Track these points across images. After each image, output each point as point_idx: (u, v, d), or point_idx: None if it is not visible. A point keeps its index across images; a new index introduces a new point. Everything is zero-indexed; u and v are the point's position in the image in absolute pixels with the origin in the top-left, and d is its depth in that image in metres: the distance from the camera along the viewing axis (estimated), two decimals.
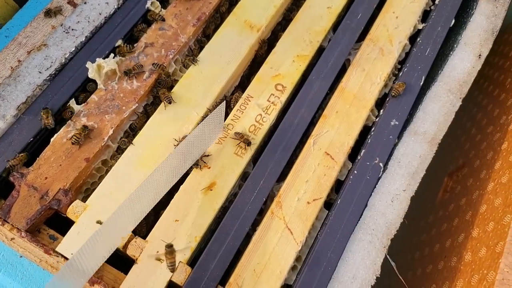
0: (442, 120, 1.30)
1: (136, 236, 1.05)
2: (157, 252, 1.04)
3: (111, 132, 1.15)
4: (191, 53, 1.33)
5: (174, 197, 1.11)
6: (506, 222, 1.20)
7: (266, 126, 1.22)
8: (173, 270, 1.01)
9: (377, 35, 1.39)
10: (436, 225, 1.70)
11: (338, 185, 1.24)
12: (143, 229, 1.14)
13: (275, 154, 1.18)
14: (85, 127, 1.13)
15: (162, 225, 1.08)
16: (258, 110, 1.23)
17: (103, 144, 1.15)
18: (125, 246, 1.05)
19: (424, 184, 2.09)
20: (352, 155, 1.26)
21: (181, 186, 1.12)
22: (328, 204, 1.21)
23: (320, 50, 1.37)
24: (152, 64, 1.22)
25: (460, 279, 1.29)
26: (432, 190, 1.95)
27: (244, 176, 1.20)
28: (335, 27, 1.42)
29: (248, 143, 1.15)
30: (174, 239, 1.04)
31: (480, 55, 1.41)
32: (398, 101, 1.30)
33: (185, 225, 1.08)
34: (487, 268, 1.18)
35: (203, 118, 1.22)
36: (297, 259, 1.12)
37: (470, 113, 2.07)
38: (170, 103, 1.18)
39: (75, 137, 1.11)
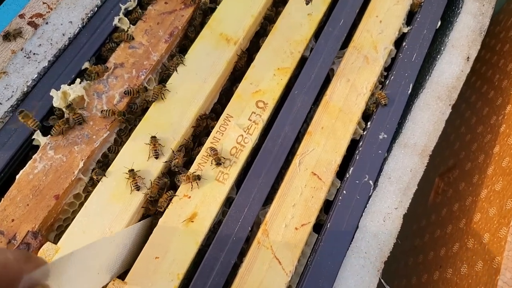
0: (432, 130, 1.24)
1: (114, 279, 0.98)
2: None
3: (81, 164, 1.07)
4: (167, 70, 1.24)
5: (153, 232, 1.04)
6: (502, 235, 1.15)
7: (248, 147, 1.15)
8: (138, 189, 1.05)
9: (361, 42, 1.31)
10: (429, 230, 1.65)
11: (327, 205, 1.18)
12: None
13: (259, 178, 1.11)
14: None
15: (141, 264, 1.01)
16: (239, 131, 1.16)
17: (73, 178, 1.06)
18: None
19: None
20: (341, 172, 1.20)
21: (160, 220, 1.05)
22: (317, 226, 1.15)
23: (302, 61, 1.29)
24: (124, 92, 1.14)
25: None
26: (424, 191, 1.90)
27: (228, 201, 1.13)
28: (317, 34, 1.34)
29: (218, 163, 1.08)
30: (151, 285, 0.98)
31: (468, 57, 1.35)
32: (386, 112, 1.23)
33: (166, 262, 1.01)
34: (485, 285, 1.14)
35: (181, 142, 1.14)
36: None
37: (459, 109, 2.01)
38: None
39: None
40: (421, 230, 1.72)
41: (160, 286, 0.98)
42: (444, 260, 1.42)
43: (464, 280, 1.24)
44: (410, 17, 1.43)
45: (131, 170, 1.07)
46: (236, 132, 1.15)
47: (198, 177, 1.07)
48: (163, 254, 1.02)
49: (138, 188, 1.06)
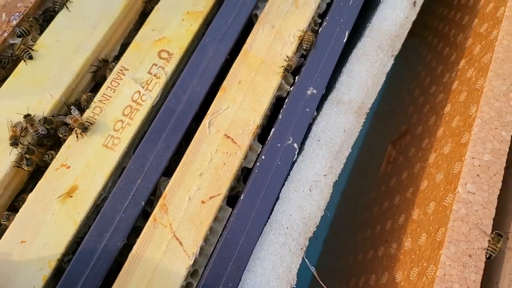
0: (371, 84, 1.06)
1: None
2: None
3: None
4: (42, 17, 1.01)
5: (19, 211, 0.83)
6: (447, 203, 1.00)
7: (146, 106, 0.94)
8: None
9: None
10: (378, 202, 1.50)
11: (248, 174, 1.00)
12: None
13: (157, 143, 0.91)
14: None
15: (3, 250, 0.80)
16: (135, 86, 0.95)
17: None
18: None
19: (367, 155, 1.89)
20: (263, 135, 1.01)
21: (29, 195, 0.85)
22: (234, 199, 0.96)
23: (219, 4, 1.08)
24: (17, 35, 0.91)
25: (399, 270, 1.10)
26: (376, 161, 1.76)
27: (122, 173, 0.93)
28: None
29: (84, 129, 0.87)
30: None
31: (415, 2, 1.17)
32: (316, 63, 1.04)
33: (34, 247, 0.81)
34: (427, 260, 0.98)
35: (62, 101, 0.93)
36: (193, 274, 0.88)
37: (414, 71, 1.86)
38: None
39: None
40: (371, 202, 1.57)
41: (25, 277, 0.79)
42: (389, 234, 1.27)
43: (407, 256, 1.09)
44: None
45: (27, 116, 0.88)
46: (132, 88, 0.95)
47: (84, 128, 0.86)
48: (31, 238, 0.82)
49: (15, 142, 0.86)
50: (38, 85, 0.92)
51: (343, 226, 1.75)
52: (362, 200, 1.70)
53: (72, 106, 0.91)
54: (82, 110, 0.93)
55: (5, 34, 0.94)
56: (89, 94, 0.95)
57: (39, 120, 0.87)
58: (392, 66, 1.10)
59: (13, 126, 0.86)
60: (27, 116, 0.88)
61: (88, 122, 0.89)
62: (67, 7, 0.98)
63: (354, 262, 1.46)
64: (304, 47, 1.04)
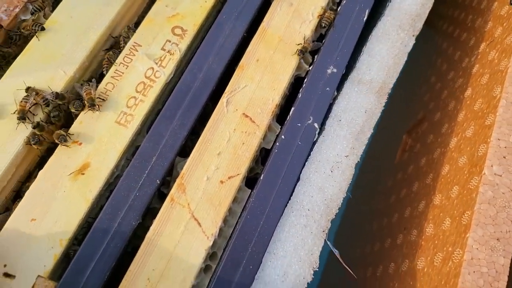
0: (392, 64, 1.03)
1: None
2: (5, 266, 0.74)
3: None
4: None
5: (30, 187, 0.80)
6: (473, 186, 0.96)
7: (160, 82, 0.91)
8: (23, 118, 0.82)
9: None
10: (395, 190, 1.46)
11: (266, 155, 0.96)
12: None
13: (172, 120, 0.88)
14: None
15: (11, 227, 0.77)
16: (148, 63, 0.92)
17: None
18: None
19: (381, 144, 1.85)
20: (282, 116, 0.98)
21: (40, 172, 0.81)
22: (252, 181, 0.93)
23: None
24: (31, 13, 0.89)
25: (422, 257, 1.06)
26: (391, 149, 1.71)
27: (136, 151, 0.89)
28: None
29: (91, 105, 0.84)
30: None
31: None
32: (336, 41, 1.01)
33: (45, 225, 0.78)
34: (452, 244, 0.95)
35: (75, 78, 0.90)
36: (211, 256, 0.85)
37: (429, 59, 1.82)
38: None
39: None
40: (387, 191, 1.53)
41: (35, 256, 0.75)
42: (408, 221, 1.23)
43: (430, 241, 1.05)
44: None
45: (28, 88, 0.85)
46: (145, 65, 0.91)
47: (92, 105, 0.83)
48: (42, 215, 0.78)
49: (23, 116, 0.82)
50: (50, 61, 0.89)
51: (357, 215, 1.71)
52: (377, 188, 1.66)
53: (93, 79, 0.88)
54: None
55: (17, 10, 0.91)
56: (110, 53, 0.92)
57: (51, 93, 0.83)
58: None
59: (21, 101, 0.82)
60: (28, 88, 0.85)
61: (100, 99, 0.86)
62: None
63: (371, 251, 1.42)
64: (323, 25, 1.00)
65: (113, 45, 0.96)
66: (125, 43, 0.93)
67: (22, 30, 0.90)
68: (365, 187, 1.76)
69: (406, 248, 1.16)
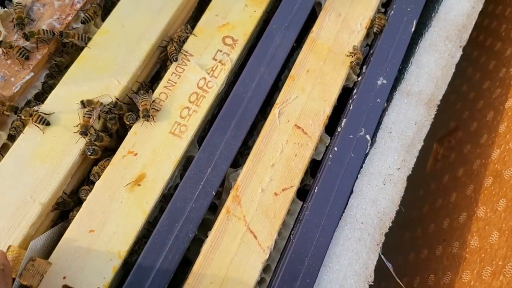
0: (440, 76, 1.02)
1: (34, 258, 0.74)
2: (64, 278, 0.74)
3: None
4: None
5: (87, 198, 0.80)
6: None
7: (212, 92, 0.90)
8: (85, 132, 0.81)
9: None
10: (429, 200, 1.45)
11: (314, 167, 0.96)
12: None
13: (226, 131, 0.87)
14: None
15: (71, 239, 0.77)
16: (201, 73, 0.91)
17: None
18: (20, 273, 0.73)
19: None
20: (331, 127, 0.97)
21: (96, 182, 0.81)
22: (302, 192, 0.92)
23: None
24: (44, 31, 0.88)
25: (467, 270, 1.05)
26: (420, 158, 1.70)
27: (188, 162, 0.89)
28: None
29: (145, 116, 0.83)
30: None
31: None
32: (385, 53, 1.00)
33: (103, 237, 0.77)
34: (503, 258, 0.94)
35: (129, 88, 0.89)
36: (265, 269, 0.84)
37: (458, 67, 1.81)
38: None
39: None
40: (419, 200, 1.52)
41: (95, 268, 0.75)
42: (448, 232, 1.22)
43: (476, 254, 1.04)
44: None
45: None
46: (197, 75, 0.91)
47: (146, 116, 0.83)
48: (100, 227, 0.78)
49: (85, 131, 0.81)
50: (104, 71, 0.88)
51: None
52: (407, 198, 1.65)
53: (150, 90, 0.87)
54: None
55: (69, 18, 0.91)
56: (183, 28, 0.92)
57: (110, 102, 0.83)
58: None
59: (84, 116, 0.82)
60: (87, 102, 0.85)
61: (154, 109, 0.86)
62: None
63: (404, 261, 1.41)
64: (375, 30, 1.00)
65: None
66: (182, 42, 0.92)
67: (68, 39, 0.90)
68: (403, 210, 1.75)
69: (447, 260, 1.15)
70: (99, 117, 0.84)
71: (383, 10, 1.10)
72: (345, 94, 1.01)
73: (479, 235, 1.06)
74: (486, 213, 1.08)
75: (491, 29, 1.63)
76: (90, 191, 0.80)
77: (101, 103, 0.84)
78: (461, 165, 1.33)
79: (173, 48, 0.89)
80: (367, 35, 1.06)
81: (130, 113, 0.85)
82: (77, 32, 0.89)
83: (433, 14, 1.09)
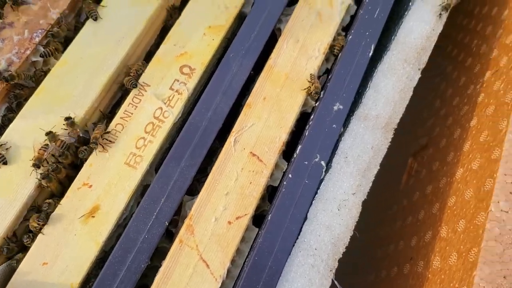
0: (398, 99, 1.04)
1: None
2: None
3: None
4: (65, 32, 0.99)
5: (42, 230, 0.81)
6: (479, 222, 0.96)
7: (168, 122, 0.92)
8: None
9: None
10: (401, 217, 1.46)
11: (272, 192, 0.97)
12: None
13: (181, 161, 0.89)
14: None
15: (24, 272, 0.78)
16: (157, 103, 0.93)
17: None
18: None
19: (385, 167, 1.85)
20: (289, 153, 0.99)
21: (51, 215, 0.82)
22: (260, 219, 0.94)
23: (241, 18, 1.07)
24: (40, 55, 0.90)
25: None
26: (396, 173, 1.72)
27: (145, 191, 0.91)
28: None
29: (95, 143, 0.85)
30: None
31: (440, 13, 1.14)
32: (342, 78, 1.02)
33: (56, 269, 0.79)
34: (459, 281, 0.95)
35: (85, 119, 0.91)
36: None
37: (433, 82, 1.83)
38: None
39: None
40: (392, 217, 1.53)
41: None
42: (415, 251, 1.23)
43: (437, 275, 1.05)
44: None
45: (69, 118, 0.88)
46: (154, 105, 0.93)
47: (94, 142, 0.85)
48: (53, 259, 0.80)
49: (38, 164, 0.83)
50: (62, 104, 0.90)
51: (361, 241, 1.71)
52: (382, 214, 1.66)
53: (105, 120, 0.89)
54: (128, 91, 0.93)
55: (28, 52, 0.93)
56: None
57: (73, 137, 0.86)
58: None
59: (40, 148, 0.84)
60: (49, 133, 0.87)
61: (107, 140, 0.87)
62: (94, 19, 0.96)
63: (376, 279, 1.42)
64: (335, 52, 1.02)
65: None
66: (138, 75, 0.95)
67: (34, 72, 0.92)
68: (369, 212, 1.76)
69: (413, 279, 1.16)
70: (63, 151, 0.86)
71: (344, 33, 1.12)
72: (305, 119, 1.03)
73: (441, 256, 1.08)
74: (448, 233, 1.09)
75: (464, 44, 1.65)
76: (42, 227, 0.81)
77: (62, 141, 0.85)
78: (430, 182, 1.34)
79: (130, 78, 0.91)
80: (327, 60, 1.08)
81: (83, 148, 0.86)
82: (23, 73, 0.90)
83: (392, 37, 1.10)
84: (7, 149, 0.85)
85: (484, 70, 1.33)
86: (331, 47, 1.06)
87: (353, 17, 1.13)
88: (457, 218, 1.07)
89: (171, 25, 1.04)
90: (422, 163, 1.53)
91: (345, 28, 1.13)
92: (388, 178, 1.80)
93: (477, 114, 1.23)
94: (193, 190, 0.94)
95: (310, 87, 0.98)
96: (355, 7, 1.14)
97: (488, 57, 1.35)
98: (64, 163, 0.85)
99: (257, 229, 0.91)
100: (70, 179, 0.88)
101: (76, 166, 0.91)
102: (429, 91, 1.82)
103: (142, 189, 0.91)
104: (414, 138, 1.69)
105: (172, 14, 1.05)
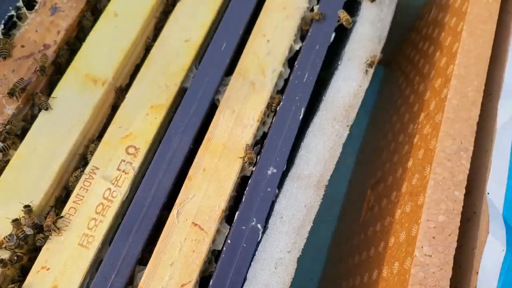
0: (328, 157, 1.13)
1: None
2: None
3: None
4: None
5: None
6: (407, 267, 1.06)
7: (117, 201, 1.03)
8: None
9: (247, 66, 1.20)
10: (357, 252, 1.56)
11: (219, 254, 1.07)
12: None
13: (129, 237, 0.99)
14: None
15: None
16: (105, 184, 1.03)
17: None
18: None
19: (351, 200, 1.94)
20: (232, 217, 1.09)
21: None
22: (209, 279, 1.03)
23: (181, 95, 1.18)
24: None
25: None
26: (358, 206, 1.81)
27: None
28: (199, 62, 1.23)
29: (48, 231, 0.97)
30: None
31: (366, 70, 1.25)
32: (275, 143, 1.12)
33: None
34: None
35: (42, 206, 1.02)
36: None
37: (388, 113, 1.92)
38: None
39: None
40: (352, 249, 1.63)
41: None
42: None
43: None
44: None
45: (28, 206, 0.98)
46: (103, 186, 1.03)
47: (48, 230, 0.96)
48: None
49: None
50: (18, 195, 1.01)
51: (330, 275, 1.80)
52: (345, 247, 1.75)
53: (53, 208, 1.00)
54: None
55: None
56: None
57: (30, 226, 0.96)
58: (373, 102, 1.16)
59: (4, 237, 0.94)
60: (15, 221, 0.97)
61: (56, 228, 0.98)
62: (45, 109, 1.07)
63: None
64: (273, 109, 1.13)
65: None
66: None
67: None
68: (337, 246, 1.84)
69: None
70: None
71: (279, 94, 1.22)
72: (246, 182, 1.13)
73: None
74: (387, 273, 1.18)
75: (409, 79, 1.74)
76: None
77: (23, 231, 0.96)
78: (380, 219, 1.44)
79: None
80: (264, 123, 1.19)
81: (40, 236, 0.97)
82: None
83: (322, 98, 1.21)
84: None
85: (420, 111, 1.42)
86: (269, 105, 1.16)
87: (286, 81, 1.24)
88: (394, 260, 1.16)
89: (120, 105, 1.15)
90: (376, 198, 1.62)
91: (281, 91, 1.23)
92: (352, 211, 1.89)
93: (413, 156, 1.32)
94: (146, 260, 1.04)
95: (244, 157, 1.08)
96: (289, 70, 1.25)
97: (423, 98, 1.44)
98: (22, 252, 0.95)
99: None
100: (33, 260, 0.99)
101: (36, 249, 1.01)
102: (385, 122, 1.91)
103: (98, 264, 1.01)
104: (373, 171, 1.79)
105: (120, 96, 1.16)
